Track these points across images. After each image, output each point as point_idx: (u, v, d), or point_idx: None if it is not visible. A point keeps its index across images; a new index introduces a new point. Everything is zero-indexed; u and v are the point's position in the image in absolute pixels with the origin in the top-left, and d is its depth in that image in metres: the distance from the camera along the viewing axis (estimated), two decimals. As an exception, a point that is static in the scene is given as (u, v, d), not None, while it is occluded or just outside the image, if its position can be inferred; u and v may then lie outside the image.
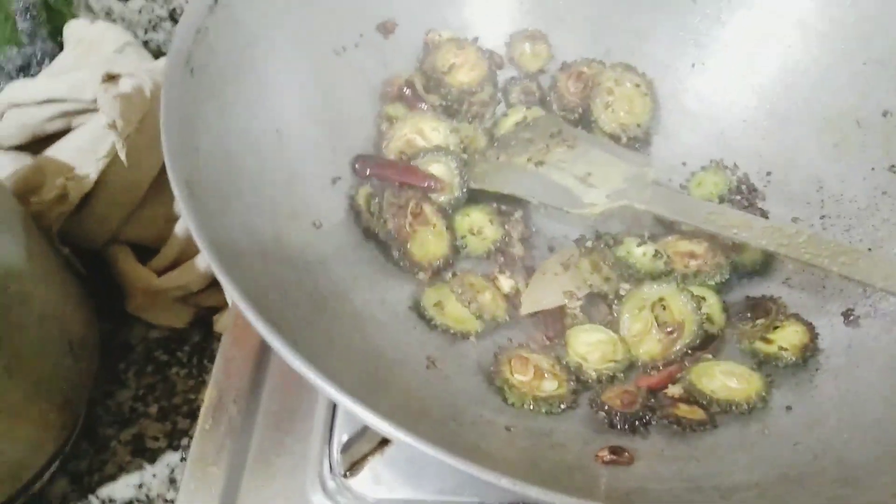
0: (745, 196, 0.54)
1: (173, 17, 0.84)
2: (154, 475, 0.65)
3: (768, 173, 0.54)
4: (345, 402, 0.28)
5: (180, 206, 0.33)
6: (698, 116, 0.57)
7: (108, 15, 0.89)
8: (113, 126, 0.63)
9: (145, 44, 0.86)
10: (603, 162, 0.51)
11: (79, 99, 0.68)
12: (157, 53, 0.85)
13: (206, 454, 0.46)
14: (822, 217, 0.51)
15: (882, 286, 0.39)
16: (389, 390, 0.39)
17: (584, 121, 0.56)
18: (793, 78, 0.54)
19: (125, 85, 0.65)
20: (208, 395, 0.48)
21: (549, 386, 0.44)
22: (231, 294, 0.30)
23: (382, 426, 0.28)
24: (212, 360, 0.52)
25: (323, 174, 0.48)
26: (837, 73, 0.52)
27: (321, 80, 0.50)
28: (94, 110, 0.68)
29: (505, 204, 0.53)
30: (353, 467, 0.45)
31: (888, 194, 0.48)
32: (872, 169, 0.49)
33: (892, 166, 0.49)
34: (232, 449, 0.47)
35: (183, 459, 0.64)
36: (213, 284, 0.73)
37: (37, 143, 0.71)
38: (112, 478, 0.65)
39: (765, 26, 0.54)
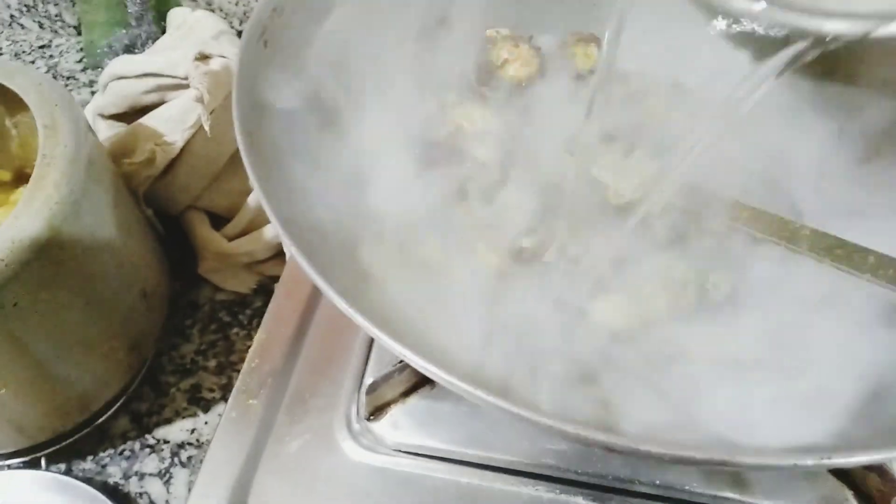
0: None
1: (267, 10, 0.91)
2: (206, 423, 0.70)
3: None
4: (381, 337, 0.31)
5: (241, 151, 0.37)
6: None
7: (209, 4, 0.96)
8: (200, 99, 0.70)
9: (239, 34, 0.93)
10: None
11: (173, 75, 0.75)
12: (249, 42, 0.91)
13: (250, 388, 0.51)
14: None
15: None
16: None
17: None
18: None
19: (215, 64, 0.72)
20: (258, 338, 0.53)
21: None
22: (275, 224, 0.35)
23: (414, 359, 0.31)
24: (269, 325, 0.57)
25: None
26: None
27: (383, 63, 0.55)
28: (187, 86, 0.75)
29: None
30: (376, 412, 0.49)
31: None
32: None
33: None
34: (272, 385, 0.51)
35: (230, 411, 0.69)
36: (278, 255, 0.78)
37: (132, 114, 0.78)
38: (168, 421, 0.70)
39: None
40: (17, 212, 0.50)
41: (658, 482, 0.47)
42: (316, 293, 0.57)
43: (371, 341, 0.53)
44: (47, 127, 0.54)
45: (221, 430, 0.49)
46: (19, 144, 0.66)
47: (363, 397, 0.49)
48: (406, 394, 0.50)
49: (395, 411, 0.50)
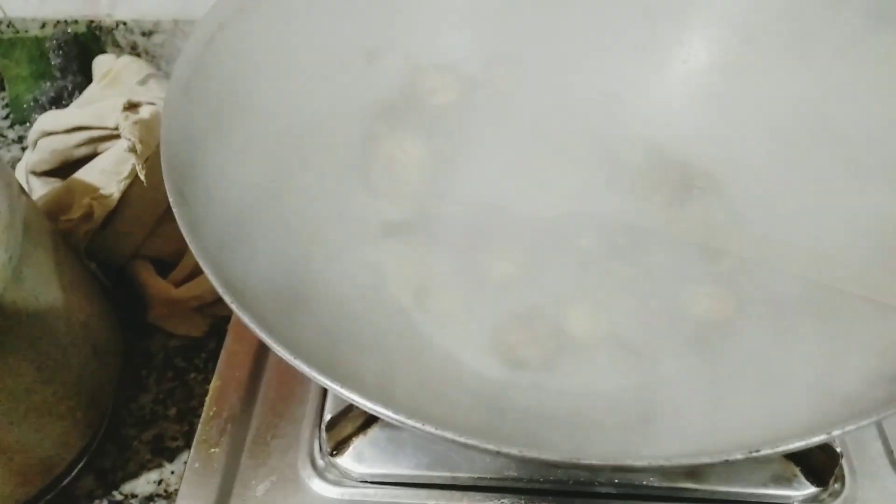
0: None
1: (195, 50, 0.91)
2: (172, 472, 0.69)
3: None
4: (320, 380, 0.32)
5: (174, 209, 0.38)
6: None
7: (133, 49, 0.96)
8: (133, 149, 0.70)
9: (167, 74, 0.93)
10: None
11: (103, 126, 0.75)
12: (179, 84, 0.91)
13: (210, 437, 0.51)
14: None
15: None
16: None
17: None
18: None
19: (144, 112, 0.72)
20: (213, 385, 0.54)
21: None
22: (215, 285, 0.35)
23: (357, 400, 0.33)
24: (227, 365, 0.57)
25: (314, 186, 0.54)
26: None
27: (311, 101, 0.56)
28: (117, 136, 0.74)
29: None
30: (339, 447, 0.50)
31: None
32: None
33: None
34: (232, 432, 0.52)
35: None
36: (228, 295, 0.78)
37: (66, 169, 0.78)
38: (134, 475, 0.69)
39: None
40: (-45, 284, 0.49)
41: (617, 481, 0.49)
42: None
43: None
44: (-22, 194, 0.54)
45: (186, 482, 0.50)
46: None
47: (324, 434, 0.49)
48: (365, 425, 0.51)
49: (357, 443, 0.50)
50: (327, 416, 0.49)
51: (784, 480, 0.49)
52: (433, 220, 0.52)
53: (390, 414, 0.31)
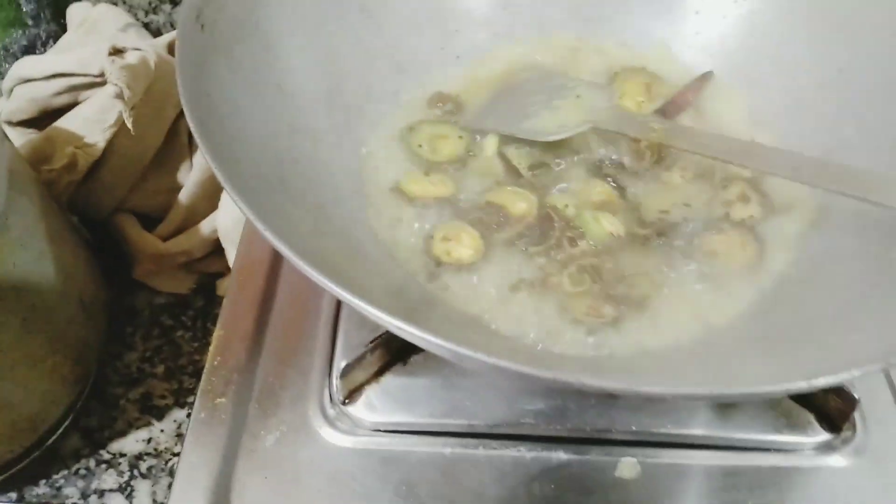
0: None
1: (173, 0, 0.88)
2: (162, 430, 0.68)
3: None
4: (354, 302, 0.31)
5: (197, 141, 0.36)
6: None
7: (109, -3, 0.92)
8: (120, 95, 0.67)
9: (146, 26, 0.89)
10: (572, 94, 0.56)
11: (86, 73, 0.71)
12: (158, 35, 0.88)
13: (216, 387, 0.50)
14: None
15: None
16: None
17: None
18: (758, 40, 0.58)
19: (131, 57, 0.69)
20: (217, 335, 0.52)
21: None
22: (237, 202, 0.34)
23: (383, 317, 0.31)
24: (215, 323, 0.56)
25: (318, 128, 0.52)
26: (799, 37, 0.56)
27: (322, 41, 0.54)
28: (101, 84, 0.71)
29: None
30: (351, 395, 0.49)
31: (847, 145, 0.52)
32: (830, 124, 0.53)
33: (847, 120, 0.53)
34: (239, 381, 0.50)
35: (189, 416, 0.68)
36: (216, 251, 0.76)
37: (43, 119, 0.74)
38: (122, 434, 0.68)
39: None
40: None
41: (634, 427, 0.48)
42: (272, 281, 0.55)
43: (336, 324, 0.52)
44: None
45: (192, 433, 0.48)
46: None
47: (336, 381, 0.48)
48: (379, 373, 0.50)
49: (369, 392, 0.49)
50: (341, 364, 0.47)
51: (798, 427, 0.49)
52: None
53: (431, 338, 0.30)
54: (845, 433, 0.50)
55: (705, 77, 0.60)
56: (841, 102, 0.54)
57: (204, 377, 0.50)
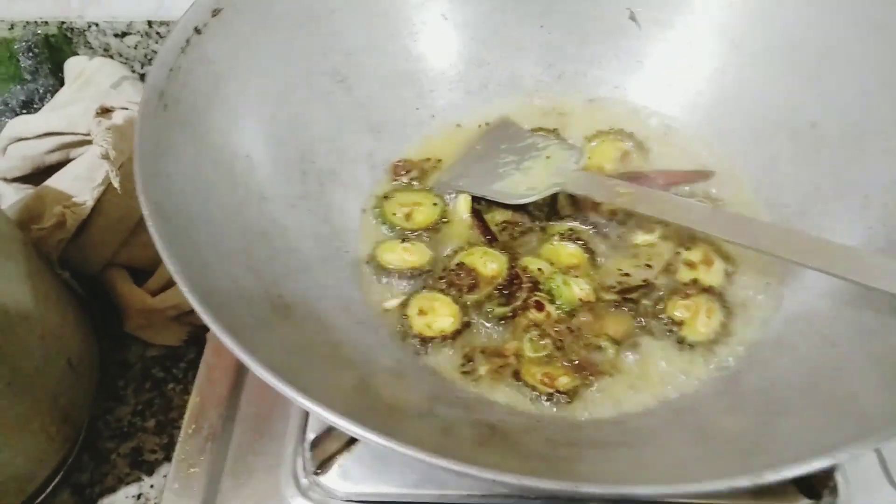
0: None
1: (168, 51, 0.89)
2: (152, 486, 0.68)
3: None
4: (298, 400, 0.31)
5: (149, 225, 0.36)
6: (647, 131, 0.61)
7: (106, 51, 0.93)
8: (106, 156, 0.67)
9: (141, 77, 0.91)
10: (542, 156, 0.56)
11: (75, 132, 0.72)
12: (153, 87, 0.89)
13: (189, 456, 0.50)
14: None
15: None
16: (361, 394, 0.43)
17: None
18: (732, 94, 0.58)
19: (118, 117, 0.70)
20: (192, 402, 0.52)
21: None
22: (192, 303, 0.34)
23: (336, 421, 0.31)
24: (207, 375, 0.56)
25: (291, 195, 0.52)
26: (771, 89, 0.56)
27: (292, 108, 0.54)
28: (90, 142, 0.72)
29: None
30: (323, 465, 0.48)
31: (817, 199, 0.52)
32: (803, 176, 0.53)
33: (821, 174, 0.52)
34: (212, 450, 0.50)
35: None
36: (206, 303, 0.76)
37: (38, 175, 0.75)
38: (112, 489, 0.67)
39: (703, 48, 0.59)
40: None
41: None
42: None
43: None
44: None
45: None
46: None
47: (308, 452, 0.48)
48: (351, 442, 0.49)
49: (342, 461, 0.49)
50: (310, 435, 0.47)
51: (777, 494, 0.48)
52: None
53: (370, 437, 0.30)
54: (826, 499, 0.48)
55: (700, 174, 0.59)
56: (815, 155, 0.53)
57: (179, 446, 0.50)
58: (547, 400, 0.46)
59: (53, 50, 0.92)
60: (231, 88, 0.50)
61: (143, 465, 0.69)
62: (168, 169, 0.42)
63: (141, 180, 0.39)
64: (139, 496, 0.67)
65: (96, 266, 0.75)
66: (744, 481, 0.30)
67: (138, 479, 0.68)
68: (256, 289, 0.43)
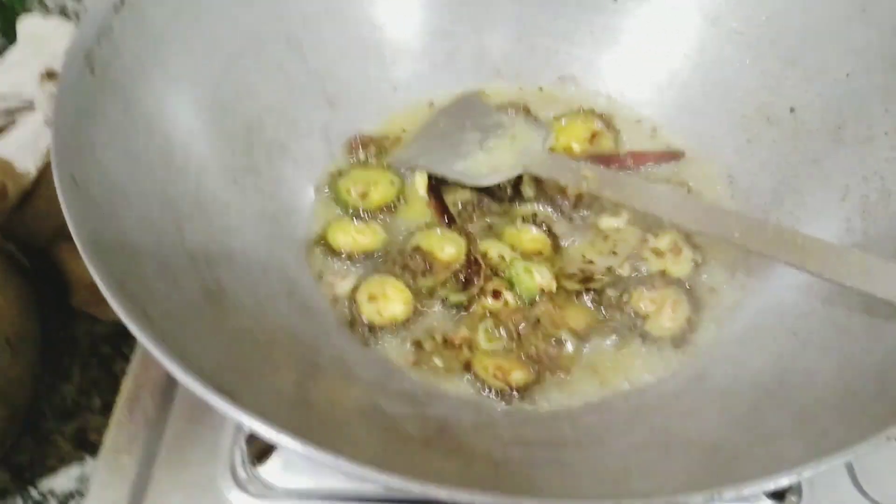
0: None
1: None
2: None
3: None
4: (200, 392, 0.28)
5: (60, 199, 0.33)
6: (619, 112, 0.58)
7: (62, 11, 0.89)
8: (50, 122, 0.64)
9: (98, 41, 0.86)
10: (507, 135, 0.54)
11: (20, 96, 0.69)
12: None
13: (120, 445, 0.47)
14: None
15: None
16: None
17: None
18: (708, 75, 0.55)
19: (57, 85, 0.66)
20: (125, 388, 0.49)
21: None
22: (102, 288, 0.31)
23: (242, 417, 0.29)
24: (156, 354, 0.52)
25: (235, 168, 0.49)
26: (750, 70, 0.53)
27: (238, 75, 0.51)
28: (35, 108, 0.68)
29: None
30: (262, 456, 0.46)
31: (794, 188, 0.49)
32: (780, 164, 0.50)
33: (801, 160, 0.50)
34: (146, 439, 0.47)
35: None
36: (158, 280, 0.73)
37: (-19, 141, 0.72)
38: (53, 470, 0.65)
39: (680, 24, 0.56)
40: None
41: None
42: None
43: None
44: None
45: (92, 493, 0.45)
46: None
47: (244, 442, 0.45)
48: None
49: (283, 452, 0.46)
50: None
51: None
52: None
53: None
54: (790, 499, 0.46)
55: (671, 155, 0.56)
56: (793, 142, 0.50)
57: (108, 435, 0.47)
58: (498, 396, 0.43)
59: (6, 8, 0.87)
60: (171, 52, 0.47)
61: (88, 446, 0.66)
62: (92, 138, 0.39)
63: (56, 150, 0.35)
64: (81, 478, 0.64)
65: (42, 238, 0.72)
66: (698, 498, 0.27)
67: (81, 460, 0.65)
68: (188, 272, 0.40)
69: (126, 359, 0.71)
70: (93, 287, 0.70)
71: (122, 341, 0.73)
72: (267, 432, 0.30)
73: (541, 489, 0.34)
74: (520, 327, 0.45)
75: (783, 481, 0.29)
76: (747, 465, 0.32)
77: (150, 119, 0.44)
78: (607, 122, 0.58)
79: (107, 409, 0.68)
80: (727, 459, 0.35)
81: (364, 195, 0.53)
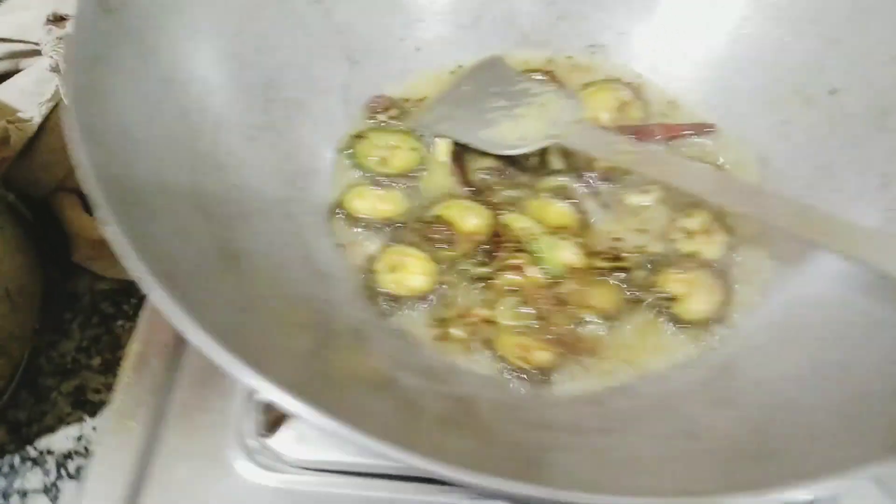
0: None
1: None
2: (94, 428, 0.64)
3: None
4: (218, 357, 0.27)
5: (74, 149, 0.31)
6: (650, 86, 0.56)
7: (69, -46, 0.86)
8: (56, 69, 0.62)
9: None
10: (536, 103, 0.52)
11: (26, 39, 0.66)
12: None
13: (126, 409, 0.45)
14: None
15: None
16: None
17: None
18: (746, 52, 0.53)
19: (72, 25, 0.63)
20: (133, 350, 0.47)
21: None
22: (114, 244, 0.29)
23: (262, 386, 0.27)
24: (158, 312, 0.51)
25: (252, 124, 0.47)
26: (790, 48, 0.51)
27: (258, 27, 0.49)
28: (40, 53, 0.66)
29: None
30: (274, 426, 0.44)
31: (830, 174, 0.47)
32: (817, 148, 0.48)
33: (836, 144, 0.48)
34: (153, 404, 0.46)
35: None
36: (163, 237, 0.71)
37: (-17, 85, 0.69)
38: (51, 429, 0.63)
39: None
40: None
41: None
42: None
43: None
44: None
45: (97, 458, 0.44)
46: None
47: (257, 411, 0.44)
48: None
49: (295, 423, 0.45)
50: (264, 395, 0.43)
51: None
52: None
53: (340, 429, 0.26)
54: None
55: (702, 127, 0.54)
56: (831, 125, 0.48)
57: (115, 397, 0.45)
58: (520, 375, 0.42)
59: (11, -53, 0.84)
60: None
61: (87, 405, 0.65)
62: (106, 86, 0.37)
63: (71, 96, 0.33)
64: (80, 437, 0.63)
65: (45, 189, 0.70)
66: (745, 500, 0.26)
67: (80, 420, 0.64)
68: (203, 231, 0.38)
69: (128, 317, 0.70)
70: (95, 242, 0.69)
71: (124, 299, 0.71)
72: (285, 402, 0.28)
73: (563, 477, 0.32)
74: (545, 305, 0.44)
75: (808, 493, 0.28)
76: (777, 467, 0.30)
77: (167, 68, 0.42)
78: (636, 91, 0.56)
79: (107, 368, 0.67)
80: (755, 458, 0.34)
81: (385, 161, 0.51)
